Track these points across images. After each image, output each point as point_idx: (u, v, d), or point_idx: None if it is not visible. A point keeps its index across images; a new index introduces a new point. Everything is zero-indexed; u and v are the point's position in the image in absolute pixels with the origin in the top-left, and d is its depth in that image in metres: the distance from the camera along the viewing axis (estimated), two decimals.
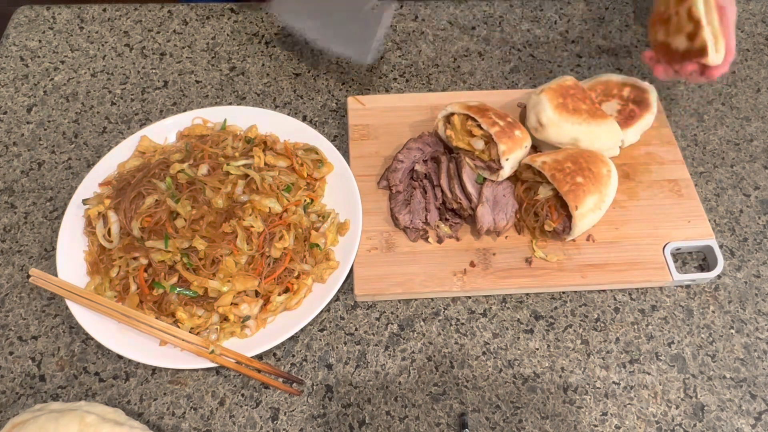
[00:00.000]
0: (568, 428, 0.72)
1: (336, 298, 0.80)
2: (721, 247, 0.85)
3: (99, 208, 0.79)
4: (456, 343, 0.77)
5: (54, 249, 0.81)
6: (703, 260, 0.84)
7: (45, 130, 0.95)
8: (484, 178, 0.83)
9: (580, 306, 0.80)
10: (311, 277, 0.78)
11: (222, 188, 0.79)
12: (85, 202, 0.82)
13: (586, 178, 0.78)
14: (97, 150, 0.93)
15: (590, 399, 0.74)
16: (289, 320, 0.75)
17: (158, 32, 1.06)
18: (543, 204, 0.80)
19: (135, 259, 0.76)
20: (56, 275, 0.77)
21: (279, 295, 0.76)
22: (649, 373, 0.75)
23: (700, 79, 0.83)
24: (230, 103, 0.97)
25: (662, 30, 0.83)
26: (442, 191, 0.83)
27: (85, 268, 0.79)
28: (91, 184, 0.84)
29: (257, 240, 0.77)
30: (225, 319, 0.75)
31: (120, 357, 0.75)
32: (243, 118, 0.91)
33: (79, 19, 1.08)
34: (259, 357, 0.75)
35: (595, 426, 0.72)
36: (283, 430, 0.71)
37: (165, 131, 0.90)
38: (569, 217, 0.79)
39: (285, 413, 0.72)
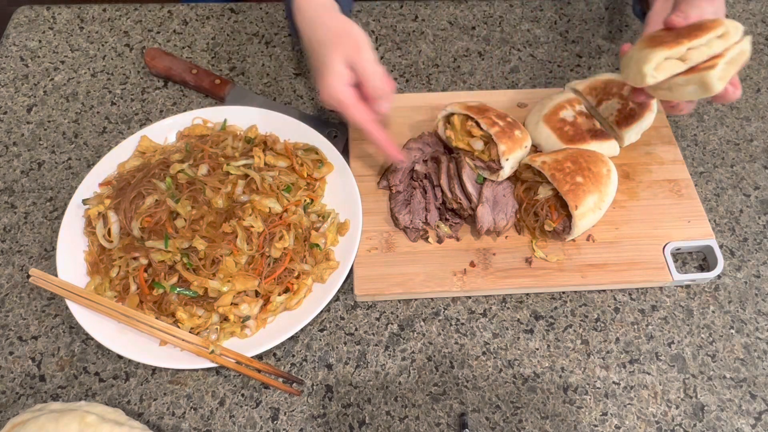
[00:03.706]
0: (568, 428, 0.72)
1: (336, 298, 0.80)
2: (721, 247, 0.85)
3: (99, 208, 0.79)
4: (456, 343, 0.77)
5: (54, 249, 0.81)
6: (703, 260, 0.84)
7: (45, 130, 0.95)
8: (484, 178, 0.83)
9: (580, 306, 0.80)
10: (311, 277, 0.78)
11: (222, 188, 0.79)
12: (85, 202, 0.82)
13: (586, 178, 0.78)
14: (97, 150, 0.93)
15: (590, 399, 0.74)
16: (289, 320, 0.75)
17: (158, 32, 1.06)
18: (543, 204, 0.80)
19: (135, 259, 0.76)
20: (56, 275, 0.77)
21: (279, 295, 0.76)
22: (649, 373, 0.75)
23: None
24: (230, 103, 0.97)
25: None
26: (442, 191, 0.83)
27: (85, 268, 0.79)
28: (91, 184, 0.84)
29: (257, 240, 0.77)
30: (225, 319, 0.75)
31: (120, 357, 0.75)
32: (243, 118, 0.91)
33: (79, 19, 1.08)
34: (259, 357, 0.75)
35: (595, 426, 0.72)
36: (283, 430, 0.71)
37: (165, 131, 0.90)
38: (569, 217, 0.79)
39: (285, 413, 0.72)
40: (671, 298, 0.81)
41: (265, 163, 0.84)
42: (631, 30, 1.08)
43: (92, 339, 0.75)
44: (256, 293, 0.76)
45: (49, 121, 0.96)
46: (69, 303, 0.75)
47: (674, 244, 0.82)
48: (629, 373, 0.75)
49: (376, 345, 0.77)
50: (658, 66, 0.73)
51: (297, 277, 0.78)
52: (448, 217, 0.83)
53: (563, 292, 0.81)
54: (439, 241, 0.82)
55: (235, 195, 0.80)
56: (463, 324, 0.79)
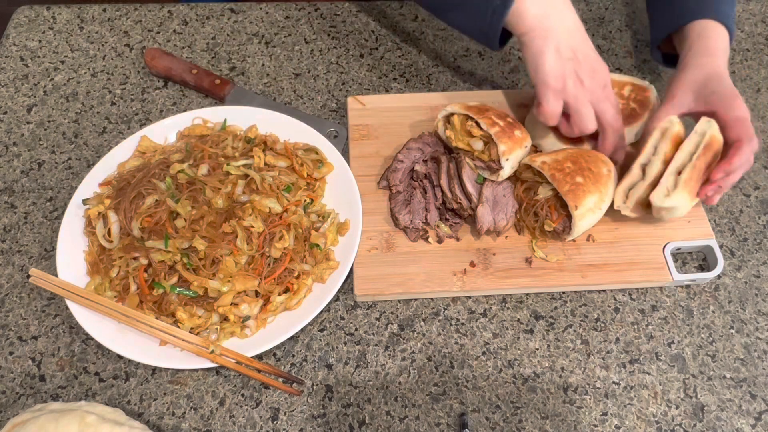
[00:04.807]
0: (568, 428, 0.72)
1: (336, 298, 0.80)
2: (721, 247, 0.85)
3: (99, 208, 0.79)
4: (456, 343, 0.77)
5: (54, 249, 0.81)
6: (703, 260, 0.84)
7: (45, 130, 0.95)
8: (484, 178, 0.83)
9: (580, 306, 0.80)
10: (311, 277, 0.78)
11: (222, 188, 0.79)
12: (85, 202, 0.82)
13: (586, 178, 0.78)
14: (97, 150, 0.93)
15: (590, 399, 0.74)
16: (289, 320, 0.75)
17: (158, 32, 1.06)
18: (543, 204, 0.80)
19: (135, 259, 0.76)
20: (56, 275, 0.77)
21: (279, 295, 0.76)
22: (649, 373, 0.75)
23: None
24: (230, 103, 0.97)
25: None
26: (442, 191, 0.83)
27: (85, 268, 0.79)
28: (91, 184, 0.84)
29: (257, 240, 0.77)
30: (225, 319, 0.75)
31: (120, 357, 0.75)
32: (243, 118, 0.91)
33: (79, 19, 1.08)
34: (259, 357, 0.75)
35: (595, 426, 0.72)
36: (283, 430, 0.71)
37: (165, 131, 0.90)
38: (569, 217, 0.79)
39: (285, 413, 0.72)
40: (671, 298, 0.81)
41: (265, 163, 0.84)
42: (631, 30, 1.08)
43: (92, 339, 0.75)
44: (256, 293, 0.76)
45: (49, 121, 0.96)
46: (69, 303, 0.75)
47: (674, 244, 0.82)
48: (629, 373, 0.75)
49: (376, 345, 0.77)
50: (629, 197, 0.80)
51: (297, 277, 0.78)
52: (448, 217, 0.83)
53: (563, 292, 0.81)
54: (439, 241, 0.82)
55: (235, 195, 0.80)
56: (463, 324, 0.79)
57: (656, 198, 0.76)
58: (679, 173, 0.77)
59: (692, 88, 0.81)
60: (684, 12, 0.85)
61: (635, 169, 0.80)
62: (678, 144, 0.79)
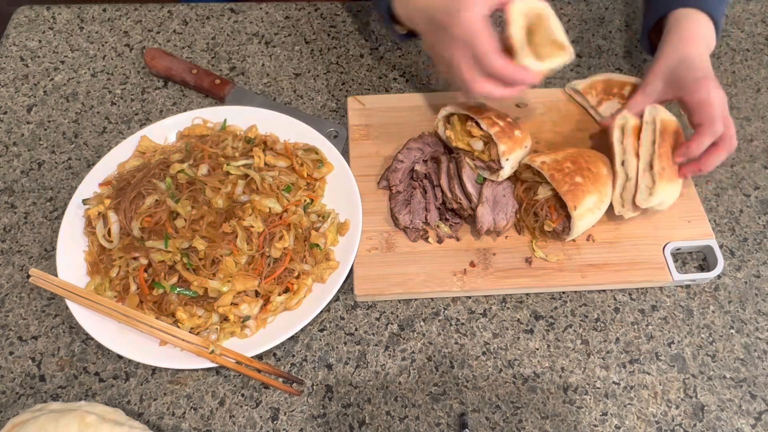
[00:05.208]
0: (568, 428, 0.72)
1: (336, 298, 0.80)
2: (721, 247, 0.85)
3: (99, 208, 0.79)
4: (456, 343, 0.77)
5: (54, 249, 0.81)
6: (703, 260, 0.84)
7: (45, 130, 0.95)
8: (484, 178, 0.83)
9: (580, 306, 0.80)
10: (311, 277, 0.78)
11: (222, 188, 0.79)
12: (85, 202, 0.82)
13: (586, 178, 0.78)
14: (97, 150, 0.93)
15: (590, 399, 0.74)
16: (289, 320, 0.75)
17: (158, 32, 1.06)
18: (543, 204, 0.80)
19: (135, 259, 0.76)
20: (56, 275, 0.77)
21: (279, 295, 0.76)
22: (649, 373, 0.75)
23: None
24: (230, 103, 0.97)
25: None
26: (442, 191, 0.83)
27: (85, 268, 0.79)
28: (91, 184, 0.84)
29: (257, 240, 0.77)
30: (225, 319, 0.75)
31: (120, 357, 0.75)
32: (243, 118, 0.91)
33: (79, 19, 1.08)
34: (259, 357, 0.75)
35: (595, 426, 0.72)
36: (283, 430, 0.71)
37: (165, 131, 0.90)
38: (569, 217, 0.79)
39: (285, 413, 0.72)
40: (671, 298, 0.81)
41: (265, 163, 0.84)
42: (631, 30, 1.08)
43: (92, 339, 0.75)
44: (256, 293, 0.76)
45: (49, 121, 0.96)
46: (69, 303, 0.75)
47: (674, 244, 0.82)
48: (629, 373, 0.75)
49: (376, 345, 0.77)
50: (624, 201, 0.81)
51: (297, 277, 0.78)
52: (448, 217, 0.83)
53: (563, 292, 0.81)
54: (439, 241, 0.82)
55: (235, 195, 0.80)
56: (463, 324, 0.79)
57: (641, 201, 0.78)
58: (652, 167, 0.78)
59: (663, 74, 0.82)
60: (670, 1, 0.85)
61: (619, 170, 0.81)
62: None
